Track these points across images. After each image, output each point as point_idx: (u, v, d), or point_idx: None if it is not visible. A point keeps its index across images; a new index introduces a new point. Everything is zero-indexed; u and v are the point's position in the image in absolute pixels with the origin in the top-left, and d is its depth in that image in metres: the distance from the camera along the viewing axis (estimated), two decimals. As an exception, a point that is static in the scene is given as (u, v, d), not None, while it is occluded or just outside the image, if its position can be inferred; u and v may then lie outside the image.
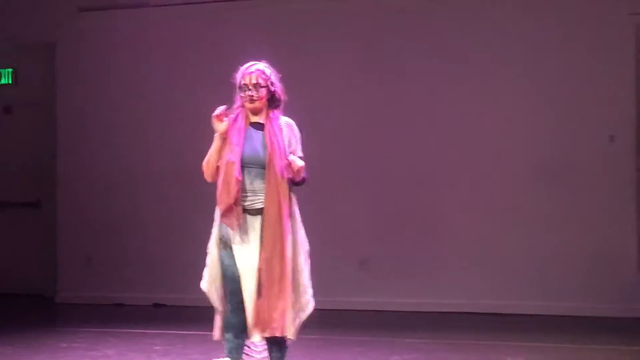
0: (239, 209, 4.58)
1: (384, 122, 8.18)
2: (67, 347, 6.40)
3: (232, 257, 4.67)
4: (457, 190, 8.06)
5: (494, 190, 8.00)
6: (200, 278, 8.47)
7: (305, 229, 4.74)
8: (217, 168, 4.72)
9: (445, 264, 8.03)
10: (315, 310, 4.69)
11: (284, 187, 4.61)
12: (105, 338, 6.73)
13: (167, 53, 8.69)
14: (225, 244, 4.70)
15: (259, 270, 4.59)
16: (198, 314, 8.05)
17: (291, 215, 4.66)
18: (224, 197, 4.62)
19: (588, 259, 7.76)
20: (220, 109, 4.69)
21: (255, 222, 4.61)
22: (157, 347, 6.37)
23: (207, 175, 4.81)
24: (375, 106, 8.18)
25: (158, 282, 8.59)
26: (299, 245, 4.68)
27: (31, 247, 9.15)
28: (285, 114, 4.78)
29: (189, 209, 8.60)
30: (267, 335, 4.63)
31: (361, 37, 8.28)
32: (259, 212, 4.60)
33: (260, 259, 4.59)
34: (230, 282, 4.72)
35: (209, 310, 8.15)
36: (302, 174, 4.62)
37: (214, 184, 4.77)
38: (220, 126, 4.72)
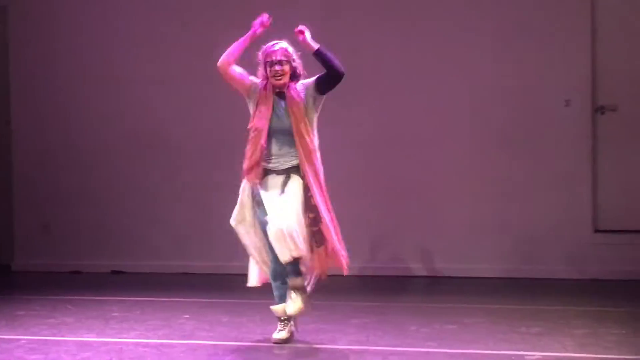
0: (259, 170, 5.26)
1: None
2: (24, 315, 6.36)
3: (264, 213, 5.21)
4: (414, 157, 8.08)
5: (452, 157, 8.03)
6: (159, 244, 8.53)
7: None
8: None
9: (404, 228, 8.07)
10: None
11: (312, 148, 5.26)
12: (63, 305, 6.69)
13: (124, 13, 8.56)
14: (258, 203, 5.27)
15: (311, 229, 5.23)
16: (156, 281, 8.07)
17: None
18: (249, 158, 5.27)
19: (545, 222, 7.85)
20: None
21: (279, 180, 5.27)
22: (115, 314, 6.35)
23: (223, 70, 5.28)
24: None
25: (116, 249, 8.54)
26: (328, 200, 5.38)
27: (-13, 215, 9.06)
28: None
29: (147, 175, 8.55)
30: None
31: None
32: (284, 171, 5.27)
33: (308, 220, 5.23)
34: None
35: (167, 276, 8.20)
36: (328, 54, 5.27)
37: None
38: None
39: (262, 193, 5.28)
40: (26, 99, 8.80)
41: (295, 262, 5.21)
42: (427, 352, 5.12)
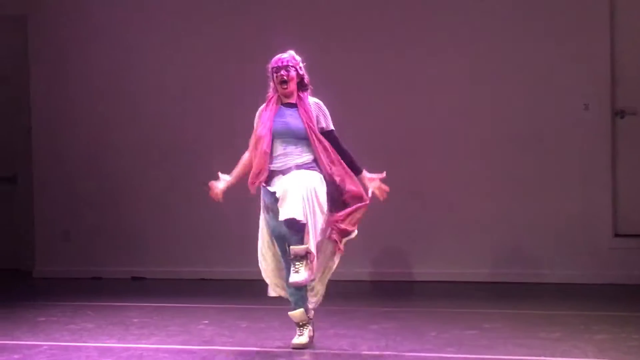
0: (265, 175, 5.28)
1: (360, 93, 8.15)
2: (45, 321, 6.40)
3: (275, 218, 5.22)
4: (433, 159, 8.07)
5: (471, 160, 8.01)
6: (179, 251, 8.58)
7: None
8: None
9: (420, 233, 8.06)
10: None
11: (327, 145, 5.32)
12: (84, 311, 6.72)
13: (143, 23, 8.61)
14: (267, 208, 5.30)
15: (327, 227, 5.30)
16: (176, 287, 8.11)
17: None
18: (255, 164, 5.33)
19: (564, 226, 7.82)
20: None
21: (285, 178, 5.26)
22: (135, 320, 6.37)
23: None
24: (354, 76, 8.15)
25: (136, 255, 8.57)
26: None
27: (8, 222, 9.10)
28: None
29: (167, 182, 8.59)
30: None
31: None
32: (289, 170, 5.29)
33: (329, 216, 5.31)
34: (280, 241, 5.29)
35: (186, 282, 8.23)
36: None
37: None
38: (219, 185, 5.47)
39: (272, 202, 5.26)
40: (46, 107, 8.86)
41: (297, 226, 5.11)
42: (447, 358, 5.11)
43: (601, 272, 7.70)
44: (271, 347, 5.45)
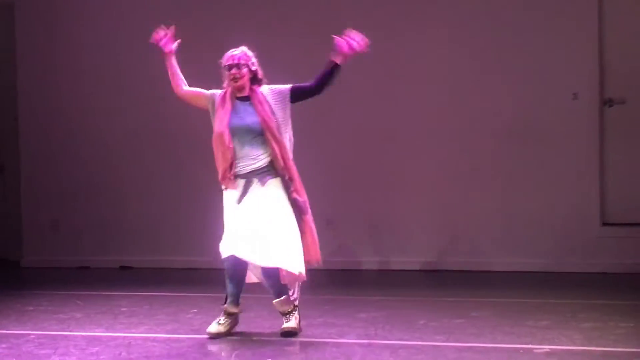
0: (234, 171, 5.31)
1: (348, 82, 8.12)
2: (34, 310, 6.39)
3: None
4: (423, 151, 8.09)
5: (460, 150, 8.03)
6: (167, 240, 8.57)
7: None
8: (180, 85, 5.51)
9: (412, 222, 8.08)
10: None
11: (284, 144, 5.30)
12: (72, 300, 6.71)
13: (133, 11, 8.57)
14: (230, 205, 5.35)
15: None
16: (164, 276, 8.10)
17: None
18: (220, 163, 5.33)
19: (552, 215, 7.85)
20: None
21: (241, 184, 5.31)
22: (124, 309, 6.37)
23: (179, 95, 5.56)
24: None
25: (124, 244, 8.57)
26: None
27: (-5, 211, 9.10)
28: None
29: (156, 171, 8.57)
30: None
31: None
32: (247, 175, 5.30)
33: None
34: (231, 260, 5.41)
35: (175, 271, 8.22)
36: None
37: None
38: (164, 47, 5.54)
39: (226, 203, 5.38)
40: (33, 95, 8.82)
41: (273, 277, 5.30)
42: (436, 346, 5.12)
43: (589, 260, 7.73)
44: (260, 336, 5.45)
